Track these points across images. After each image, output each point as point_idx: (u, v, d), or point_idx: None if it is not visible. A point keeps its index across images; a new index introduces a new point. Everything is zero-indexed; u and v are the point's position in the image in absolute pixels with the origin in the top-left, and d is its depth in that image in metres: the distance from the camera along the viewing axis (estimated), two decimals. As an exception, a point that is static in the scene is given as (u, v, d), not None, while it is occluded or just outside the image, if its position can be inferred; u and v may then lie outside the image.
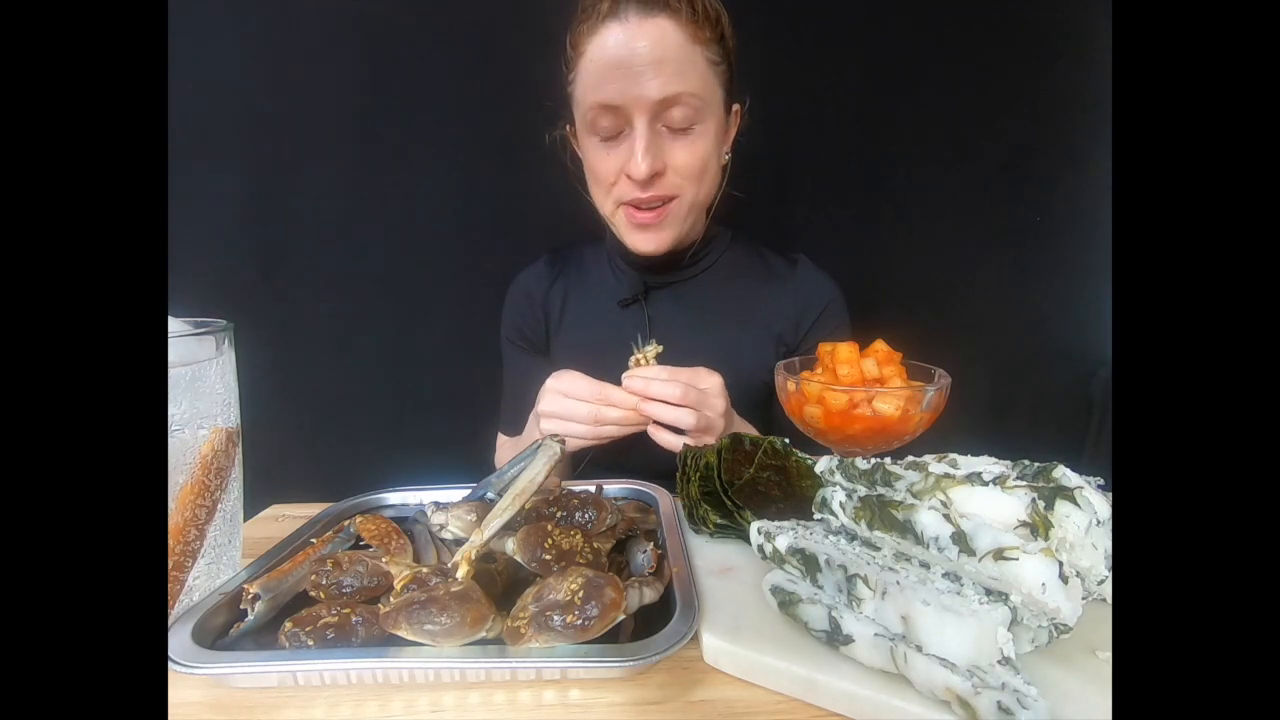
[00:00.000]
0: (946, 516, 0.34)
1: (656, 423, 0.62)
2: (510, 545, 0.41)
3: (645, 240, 0.71)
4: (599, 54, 0.64)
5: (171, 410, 0.40)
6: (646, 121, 0.64)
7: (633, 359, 0.65)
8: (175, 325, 0.41)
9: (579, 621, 0.34)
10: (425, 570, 0.39)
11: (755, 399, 0.74)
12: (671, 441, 0.61)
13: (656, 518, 0.51)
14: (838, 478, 0.42)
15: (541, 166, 0.82)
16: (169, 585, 0.39)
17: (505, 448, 0.89)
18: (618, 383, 0.64)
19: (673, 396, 0.60)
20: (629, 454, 0.74)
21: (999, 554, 0.31)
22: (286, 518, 0.59)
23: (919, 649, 0.31)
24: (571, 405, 0.62)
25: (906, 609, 0.32)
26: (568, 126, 0.74)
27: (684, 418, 0.60)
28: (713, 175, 0.71)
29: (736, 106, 0.72)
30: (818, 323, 0.80)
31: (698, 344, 0.77)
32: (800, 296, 0.80)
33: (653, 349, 0.65)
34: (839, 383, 0.55)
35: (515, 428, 0.86)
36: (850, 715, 0.32)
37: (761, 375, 0.76)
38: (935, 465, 0.38)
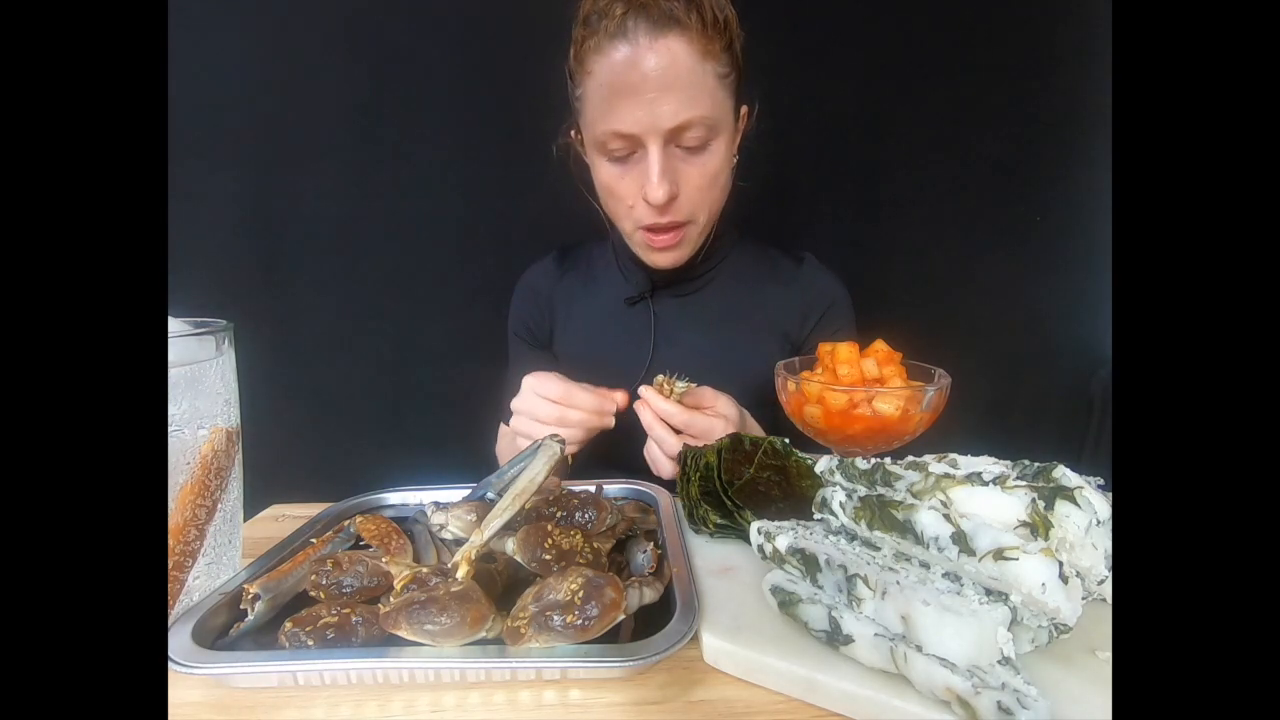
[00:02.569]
0: (946, 516, 0.34)
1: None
2: (510, 545, 0.41)
3: (664, 258, 0.72)
4: (608, 76, 0.62)
5: (171, 410, 0.40)
6: (660, 146, 0.63)
7: (657, 381, 0.64)
8: (175, 325, 0.41)
9: (579, 621, 0.34)
10: (425, 570, 0.39)
11: (759, 397, 0.74)
12: (664, 468, 0.62)
13: (656, 518, 0.51)
14: (838, 478, 0.42)
15: (542, 166, 0.82)
16: (169, 585, 0.39)
17: (505, 436, 0.87)
18: (627, 381, 0.65)
19: (668, 447, 0.60)
20: (628, 455, 0.74)
21: (999, 554, 0.31)
22: (286, 518, 0.59)
23: (919, 649, 0.31)
24: (539, 404, 0.63)
25: (906, 609, 0.32)
26: (572, 133, 0.74)
27: (672, 446, 0.60)
28: (724, 187, 0.70)
29: (744, 109, 0.71)
30: (822, 321, 0.80)
31: (704, 343, 0.77)
32: (806, 295, 0.80)
33: (681, 386, 0.63)
34: (839, 383, 0.55)
35: None
36: (850, 715, 0.32)
37: (767, 374, 0.75)
38: (935, 465, 0.38)
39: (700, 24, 0.61)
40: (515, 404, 0.64)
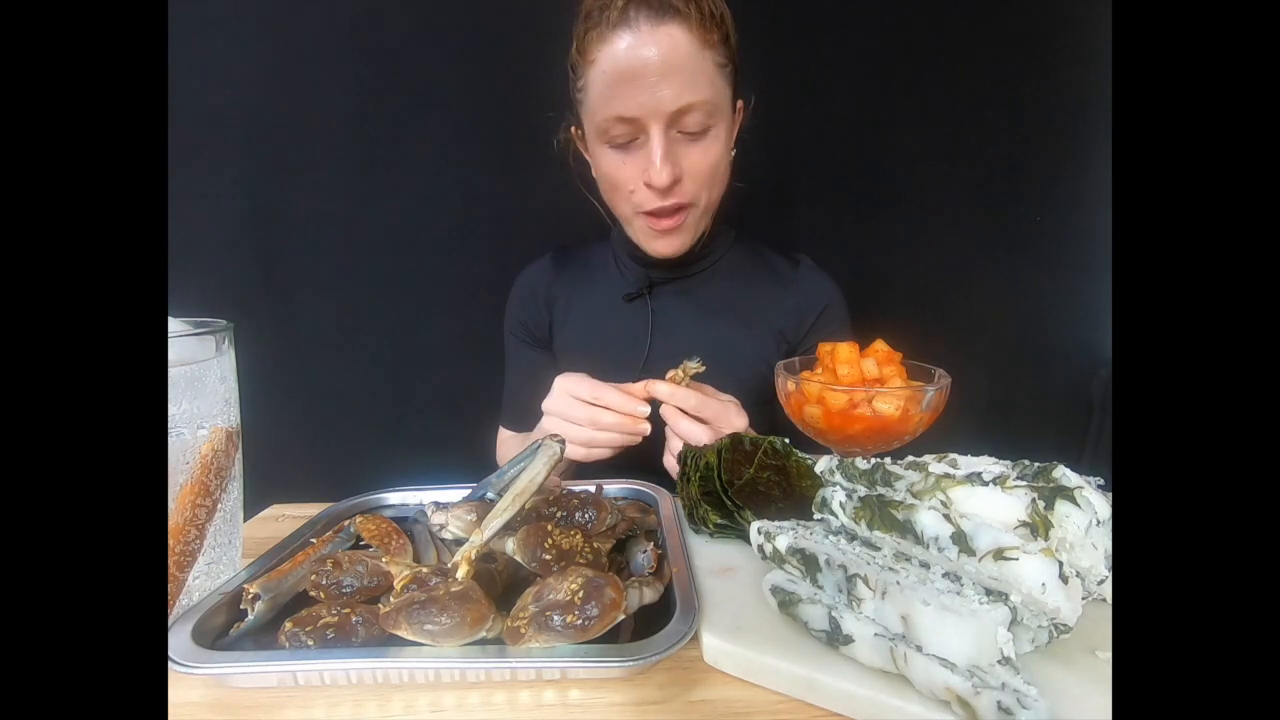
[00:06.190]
0: (946, 516, 0.34)
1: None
2: (510, 545, 0.41)
3: (665, 245, 0.73)
4: (610, 64, 0.64)
5: (171, 410, 0.40)
6: (662, 130, 0.65)
7: (670, 373, 0.63)
8: (175, 325, 0.41)
9: (579, 621, 0.34)
10: (425, 570, 0.39)
11: (757, 396, 0.74)
12: (673, 466, 0.60)
13: (656, 518, 0.51)
14: (838, 478, 0.42)
15: (542, 166, 0.82)
16: (169, 585, 0.39)
17: (507, 443, 0.89)
18: (625, 377, 0.64)
19: (694, 437, 0.60)
20: (629, 454, 0.74)
21: (999, 554, 0.31)
22: (286, 518, 0.59)
23: (919, 649, 0.31)
24: (572, 404, 0.63)
25: (906, 609, 0.32)
26: (572, 129, 0.75)
27: (700, 437, 0.60)
28: (723, 175, 0.72)
29: (740, 103, 0.72)
30: (818, 323, 0.81)
31: (701, 339, 0.77)
32: (802, 296, 0.81)
33: (694, 366, 0.63)
34: (839, 383, 0.55)
35: (515, 421, 0.87)
36: (850, 715, 0.32)
37: (764, 371, 0.76)
38: (935, 465, 0.38)
39: (698, 15, 0.63)
40: (547, 405, 0.64)
